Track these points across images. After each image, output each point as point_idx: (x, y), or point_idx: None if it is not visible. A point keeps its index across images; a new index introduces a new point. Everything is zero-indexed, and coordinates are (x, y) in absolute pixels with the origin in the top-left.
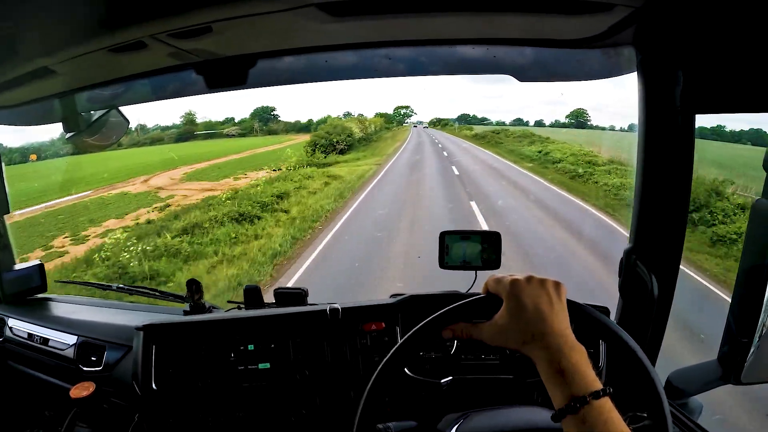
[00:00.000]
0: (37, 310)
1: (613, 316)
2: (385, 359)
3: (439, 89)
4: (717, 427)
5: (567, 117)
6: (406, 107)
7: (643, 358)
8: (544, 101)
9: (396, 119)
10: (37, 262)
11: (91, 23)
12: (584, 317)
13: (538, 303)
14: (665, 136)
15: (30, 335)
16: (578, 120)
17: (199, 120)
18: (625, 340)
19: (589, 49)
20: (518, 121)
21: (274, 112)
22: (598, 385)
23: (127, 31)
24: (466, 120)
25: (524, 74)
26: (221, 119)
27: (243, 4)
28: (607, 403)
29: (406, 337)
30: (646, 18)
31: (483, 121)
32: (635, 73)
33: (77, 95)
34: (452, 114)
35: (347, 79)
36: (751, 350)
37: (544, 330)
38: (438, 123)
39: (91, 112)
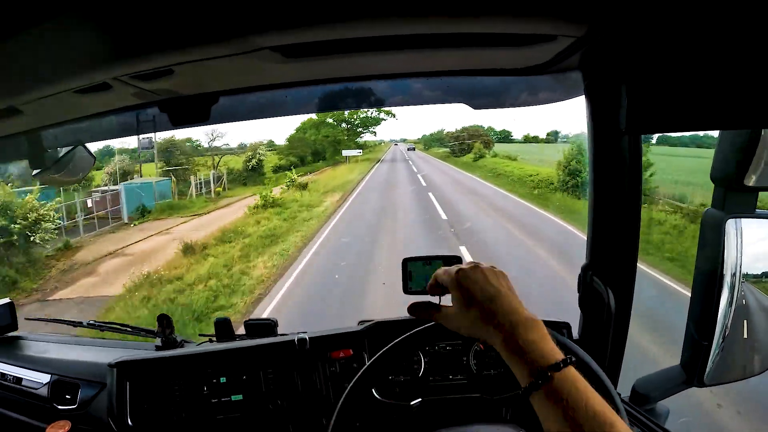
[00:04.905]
0: (8, 349)
1: (575, 331)
2: (350, 384)
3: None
4: (684, 429)
5: None
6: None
7: (594, 368)
8: None
9: (341, 137)
10: (7, 300)
11: (56, 66)
12: None
13: (485, 287)
14: (613, 155)
15: (2, 375)
16: None
17: None
18: (575, 351)
19: (539, 76)
20: (554, 135)
21: None
22: (558, 356)
23: (91, 74)
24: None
25: (477, 102)
26: None
27: (200, 48)
28: (570, 372)
29: (371, 361)
30: (590, 45)
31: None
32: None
33: (43, 132)
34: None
35: (308, 113)
36: (716, 352)
37: (494, 310)
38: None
39: (58, 149)
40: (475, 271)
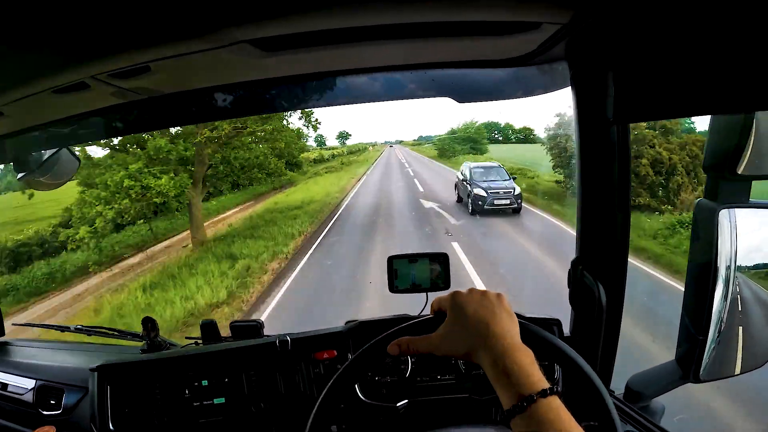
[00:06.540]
0: None
1: (566, 328)
2: (331, 381)
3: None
4: (679, 426)
5: None
6: None
7: (583, 366)
8: None
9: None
10: None
11: (32, 65)
12: (525, 333)
13: (478, 309)
14: (601, 146)
15: None
16: None
17: None
18: (563, 350)
19: (524, 67)
20: None
21: None
22: (545, 384)
23: (68, 72)
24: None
25: (463, 96)
26: None
27: (177, 44)
28: (554, 401)
29: (351, 359)
30: (575, 33)
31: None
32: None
33: (26, 135)
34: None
35: (291, 109)
36: (711, 347)
37: (486, 333)
38: None
39: (42, 151)
40: (471, 293)
